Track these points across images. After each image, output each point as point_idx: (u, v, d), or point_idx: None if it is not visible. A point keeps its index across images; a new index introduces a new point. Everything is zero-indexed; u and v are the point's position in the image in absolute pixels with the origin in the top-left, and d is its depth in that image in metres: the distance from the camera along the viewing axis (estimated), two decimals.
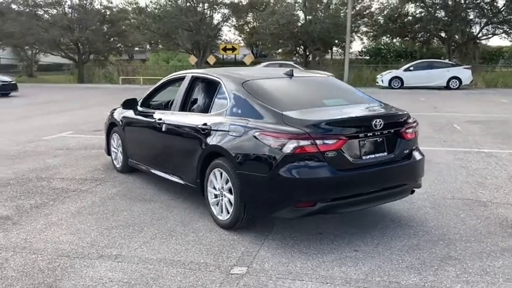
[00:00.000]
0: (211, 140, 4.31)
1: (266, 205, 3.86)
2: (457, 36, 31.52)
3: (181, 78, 5.30)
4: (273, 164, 3.70)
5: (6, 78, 21.17)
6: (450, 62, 25.25)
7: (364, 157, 3.86)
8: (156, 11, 31.29)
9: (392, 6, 31.31)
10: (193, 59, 30.19)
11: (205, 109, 4.77)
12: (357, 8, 32.53)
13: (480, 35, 31.76)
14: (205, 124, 4.45)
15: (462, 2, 29.76)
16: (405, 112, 4.30)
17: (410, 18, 31.74)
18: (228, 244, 3.97)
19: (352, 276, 3.38)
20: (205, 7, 31.83)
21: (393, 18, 30.80)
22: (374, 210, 4.83)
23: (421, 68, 24.04)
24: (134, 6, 32.09)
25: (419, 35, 33.27)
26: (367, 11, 32.24)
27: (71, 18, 31.88)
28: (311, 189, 3.67)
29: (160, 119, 5.22)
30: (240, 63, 29.79)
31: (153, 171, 5.54)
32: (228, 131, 4.15)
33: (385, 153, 4.00)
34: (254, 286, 3.23)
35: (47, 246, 3.95)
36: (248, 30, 37.93)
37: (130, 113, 5.99)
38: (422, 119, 12.00)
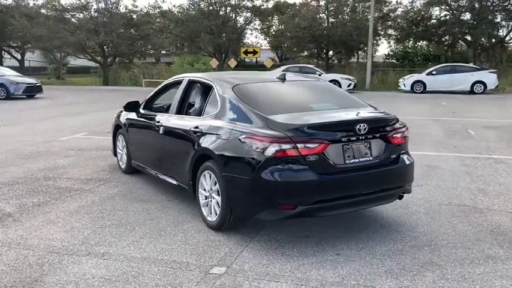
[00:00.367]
0: (202, 143, 4.40)
1: (249, 207, 3.93)
2: (483, 40, 30.88)
3: (180, 82, 5.41)
4: (255, 166, 3.77)
5: (31, 80, 21.80)
6: (474, 66, 24.74)
7: (347, 161, 3.88)
8: (179, 14, 31.71)
9: (416, 9, 30.92)
10: (214, 62, 30.43)
11: (199, 112, 4.87)
12: (384, 11, 32.21)
13: (508, 38, 31.05)
14: (196, 127, 4.55)
15: (489, 4, 29.16)
16: (392, 117, 4.30)
17: (434, 21, 31.28)
18: (214, 245, 4.04)
19: (328, 279, 3.41)
20: (228, 10, 32.09)
21: (416, 21, 30.39)
22: (366, 214, 4.84)
23: (444, 72, 23.64)
24: (158, 10, 32.62)
25: (444, 39, 32.72)
26: (391, 14, 31.89)
27: (97, 21, 32.60)
28: (291, 192, 3.72)
29: (158, 122, 5.35)
30: (261, 67, 29.88)
31: (152, 172, 5.67)
32: (217, 134, 4.24)
33: (370, 158, 4.01)
34: (229, 286, 3.30)
35: (40, 243, 4.11)
36: (274, 33, 38.07)
37: (133, 115, 6.14)
38: (437, 124, 11.90)
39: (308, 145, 3.70)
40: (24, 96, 21.08)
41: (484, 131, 10.62)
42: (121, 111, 6.87)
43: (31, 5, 37.80)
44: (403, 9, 31.87)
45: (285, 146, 3.68)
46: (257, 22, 34.49)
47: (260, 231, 4.33)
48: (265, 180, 3.71)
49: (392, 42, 35.26)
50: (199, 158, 4.45)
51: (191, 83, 5.20)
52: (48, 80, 38.05)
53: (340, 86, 23.81)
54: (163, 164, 5.36)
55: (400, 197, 4.41)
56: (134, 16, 34.06)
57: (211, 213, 4.37)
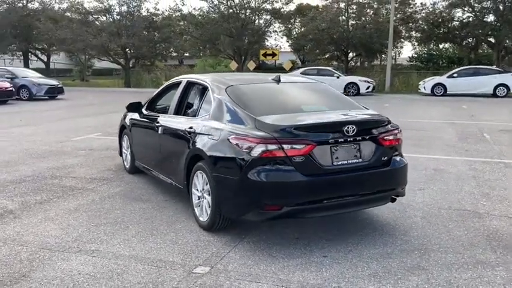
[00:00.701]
0: (195, 143, 4.43)
1: (236, 207, 3.94)
2: (507, 42, 30.18)
3: (179, 83, 5.47)
4: (242, 167, 3.78)
5: (53, 82, 22.31)
6: (497, 69, 24.20)
7: (335, 163, 3.86)
8: (199, 17, 31.98)
9: (438, 11, 30.44)
10: (234, 65, 30.59)
11: (195, 113, 4.91)
12: (408, 13, 31.78)
13: None
14: (191, 127, 4.59)
15: None
16: (384, 118, 4.26)
17: (456, 23, 30.75)
18: (202, 245, 4.07)
19: (310, 281, 3.39)
20: (248, 13, 32.18)
21: (437, 23, 29.92)
22: (360, 217, 4.80)
23: (466, 74, 23.18)
24: (178, 13, 32.95)
25: (467, 41, 32.11)
26: (415, 16, 31.45)
27: (119, 24, 33.11)
28: (277, 193, 3.72)
29: (158, 122, 5.42)
30: (280, 69, 29.87)
31: (153, 172, 5.74)
32: (208, 135, 4.27)
33: (360, 160, 3.97)
34: (210, 285, 3.32)
35: (34, 239, 4.21)
36: (296, 35, 38.02)
37: (136, 116, 6.23)
38: (453, 127, 11.69)
39: (294, 146, 3.69)
40: (46, 97, 21.58)
41: (500, 135, 10.38)
42: (127, 112, 6.98)
43: (56, 8, 38.67)
44: (424, 11, 31.38)
45: (271, 147, 3.68)
46: (276, 25, 34.51)
47: (251, 232, 4.33)
48: (252, 181, 3.72)
49: (416, 44, 34.80)
50: (193, 158, 4.48)
51: (189, 84, 5.25)
52: (72, 82, 38.89)
53: (358, 88, 23.69)
54: (161, 164, 5.42)
55: (393, 200, 4.36)
56: (156, 19, 34.46)
57: (203, 214, 4.39)
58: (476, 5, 29.81)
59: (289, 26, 38.65)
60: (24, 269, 3.60)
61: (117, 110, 16.82)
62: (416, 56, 36.89)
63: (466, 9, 30.30)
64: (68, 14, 35.58)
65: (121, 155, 7.11)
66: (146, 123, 5.86)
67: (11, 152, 8.39)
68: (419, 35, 32.45)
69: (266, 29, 34.55)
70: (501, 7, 29.03)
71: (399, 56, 45.29)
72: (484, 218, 4.79)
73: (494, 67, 25.25)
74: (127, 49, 34.05)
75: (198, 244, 4.08)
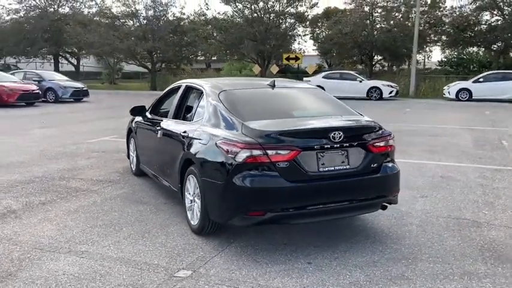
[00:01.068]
0: (187, 147, 4.48)
1: (222, 212, 3.96)
2: None
3: (179, 87, 5.53)
4: (227, 172, 3.80)
5: (78, 85, 22.87)
6: None
7: (321, 169, 3.83)
8: (223, 22, 32.20)
9: (465, 14, 29.77)
10: (257, 69, 30.67)
11: (190, 117, 4.95)
12: (437, 18, 31.18)
13: None
14: (185, 132, 4.64)
15: None
16: (374, 125, 4.20)
17: (484, 26, 29.99)
18: (190, 248, 4.10)
19: (289, 287, 3.37)
20: (272, 17, 32.21)
21: (462, 27, 29.25)
22: (354, 224, 4.75)
23: (492, 79, 22.60)
24: (202, 17, 33.26)
25: (497, 45, 31.24)
26: (442, 20, 30.83)
27: (146, 28, 33.68)
28: (260, 199, 3.72)
29: (157, 126, 5.50)
30: (303, 73, 29.78)
31: (153, 174, 5.82)
32: (199, 139, 4.31)
33: (347, 166, 3.93)
34: None
35: (29, 239, 4.32)
36: (323, 39, 37.86)
37: (140, 120, 6.34)
38: (470, 133, 11.42)
39: (278, 152, 3.69)
40: (72, 100, 22.13)
41: None
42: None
43: (85, 12, 39.61)
44: (450, 15, 30.71)
45: (255, 152, 3.69)
46: (300, 29, 34.45)
47: (240, 237, 4.34)
48: (236, 186, 3.73)
49: (442, 48, 34.09)
50: (186, 162, 4.53)
51: (187, 89, 5.31)
52: (101, 85, 39.75)
53: (381, 93, 23.39)
54: (160, 167, 5.49)
55: (384, 207, 4.29)
56: (181, 23, 34.91)
57: (194, 217, 4.43)
58: (506, 8, 29.03)
59: (317, 29, 38.51)
60: (13, 268, 3.70)
61: None
62: (445, 60, 36.10)
63: (495, 12, 29.54)
64: (97, 18, 36.42)
65: (128, 157, 7.24)
66: (148, 126, 5.95)
67: (27, 153, 8.64)
68: (445, 39, 31.78)
69: (290, 33, 34.49)
70: None
71: (429, 60, 44.47)
72: (483, 227, 4.66)
73: None
74: (153, 53, 34.59)
75: (185, 248, 4.12)
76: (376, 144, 4.06)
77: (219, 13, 33.60)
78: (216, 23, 32.39)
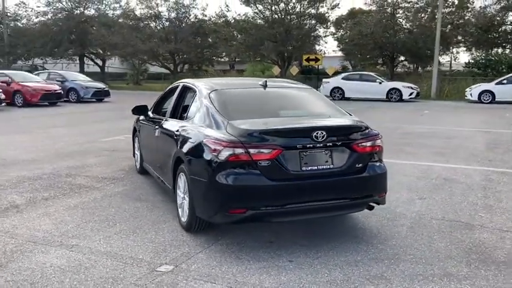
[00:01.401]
0: (179, 146, 4.57)
1: (206, 209, 4.03)
2: None
3: (177, 87, 5.64)
4: (211, 170, 3.87)
5: (100, 85, 23.36)
6: None
7: (304, 168, 3.86)
8: (243, 23, 32.39)
9: (489, 15, 29.14)
10: (276, 70, 30.69)
11: (184, 116, 5.04)
12: (466, 18, 30.61)
13: None
14: (177, 130, 4.73)
15: None
16: (360, 125, 4.20)
17: (510, 27, 29.29)
18: (176, 244, 4.18)
19: (265, 284, 3.42)
20: (292, 18, 32.22)
21: (485, 27, 28.62)
22: (346, 224, 4.76)
23: None
24: (223, 19, 33.54)
25: None
26: (470, 21, 30.26)
27: (168, 30, 34.18)
28: (242, 197, 3.77)
29: (156, 125, 5.61)
30: (323, 74, 29.64)
31: (153, 173, 5.94)
32: (189, 138, 4.39)
33: (331, 166, 3.95)
34: (166, 283, 3.42)
35: (26, 233, 4.48)
36: (346, 40, 37.66)
37: (143, 119, 6.47)
38: (485, 136, 11.22)
39: (260, 150, 3.74)
40: (94, 100, 22.63)
41: None
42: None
43: (110, 14, 40.40)
44: (474, 16, 30.11)
45: (237, 151, 3.75)
46: (321, 30, 34.31)
47: (228, 234, 4.39)
48: (218, 183, 3.80)
49: (465, 50, 33.45)
50: (177, 160, 4.61)
51: (184, 88, 5.40)
52: (126, 85, 40.42)
53: (401, 94, 23.12)
54: (158, 165, 5.60)
55: (370, 208, 4.29)
56: (203, 25, 35.27)
57: (183, 214, 4.51)
58: None
59: (341, 30, 38.31)
60: (4, 259, 3.85)
61: None
62: (473, 61, 35.33)
63: None
64: (121, 20, 37.14)
65: (134, 156, 7.39)
66: (149, 125, 6.07)
67: (41, 151, 8.89)
68: (468, 39, 31.17)
69: (311, 34, 34.41)
70: None
71: (456, 61, 43.66)
72: (475, 230, 4.60)
73: None
74: (175, 54, 35.06)
75: (172, 244, 4.20)
76: (362, 144, 4.06)
77: (239, 15, 33.83)
78: (236, 24, 32.59)
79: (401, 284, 3.42)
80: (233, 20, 33.30)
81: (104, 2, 41.89)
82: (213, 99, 4.48)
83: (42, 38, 37.72)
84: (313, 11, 32.29)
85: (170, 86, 6.16)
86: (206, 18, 35.61)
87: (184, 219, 4.49)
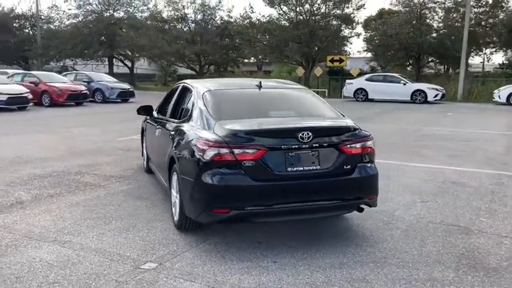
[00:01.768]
0: (173, 145, 4.62)
1: (192, 208, 4.06)
2: None
3: (178, 87, 5.70)
4: (197, 169, 3.90)
5: (125, 86, 23.79)
6: None
7: (289, 169, 3.85)
8: (267, 24, 32.41)
9: None
10: (300, 71, 30.62)
11: (180, 116, 5.09)
12: (501, 16, 29.77)
13: None
14: (173, 130, 4.79)
15: None
16: (348, 126, 4.15)
17: None
18: (166, 243, 4.23)
19: (244, 284, 3.42)
20: (317, 19, 32.02)
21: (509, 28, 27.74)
22: (341, 225, 4.73)
23: None
24: (247, 20, 33.65)
25: None
26: (491, 21, 29.45)
27: (194, 32, 34.54)
28: (225, 196, 3.78)
29: (157, 125, 5.69)
30: (348, 75, 29.34)
31: (155, 172, 6.03)
32: (181, 138, 4.43)
33: (318, 167, 3.92)
34: (146, 281, 3.47)
35: (24, 228, 4.62)
36: (377, 41, 37.18)
37: (148, 119, 6.57)
38: (507, 139, 10.91)
39: (244, 151, 3.75)
40: (119, 100, 23.06)
41: None
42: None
43: (138, 16, 41.06)
44: (506, 15, 29.24)
45: (222, 151, 3.77)
46: (347, 31, 33.95)
47: (218, 234, 4.41)
48: (204, 183, 3.82)
49: (494, 51, 32.51)
50: (171, 160, 4.67)
51: (183, 89, 5.46)
52: (154, 87, 41.06)
53: (426, 96, 22.70)
54: (159, 164, 5.68)
55: (360, 210, 4.23)
56: (228, 27, 35.47)
57: (176, 213, 4.56)
58: None
59: (369, 31, 37.81)
60: None
61: None
62: (507, 62, 34.25)
63: None
64: (149, 22, 37.72)
65: (142, 155, 7.50)
66: (152, 125, 6.16)
67: (57, 150, 9.13)
68: (500, 40, 30.29)
69: (338, 35, 34.10)
70: None
71: (488, 62, 42.52)
72: (472, 235, 4.48)
73: None
74: (201, 56, 35.38)
75: (162, 242, 4.25)
76: (350, 145, 4.01)
77: (263, 16, 33.88)
78: (260, 25, 32.63)
79: None
80: (257, 22, 33.35)
81: (133, 4, 42.72)
82: (206, 99, 4.51)
83: (73, 39, 38.64)
84: (338, 12, 32.01)
85: (173, 87, 6.23)
86: (232, 20, 35.81)
87: (176, 218, 4.54)
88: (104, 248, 4.10)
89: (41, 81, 20.18)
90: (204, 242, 4.25)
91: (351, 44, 36.13)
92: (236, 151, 3.74)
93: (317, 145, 3.89)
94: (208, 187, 3.79)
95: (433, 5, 30.30)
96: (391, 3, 32.10)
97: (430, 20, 31.61)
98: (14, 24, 44.60)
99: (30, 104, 18.39)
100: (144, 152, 7.21)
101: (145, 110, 6.43)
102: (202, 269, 3.69)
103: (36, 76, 20.80)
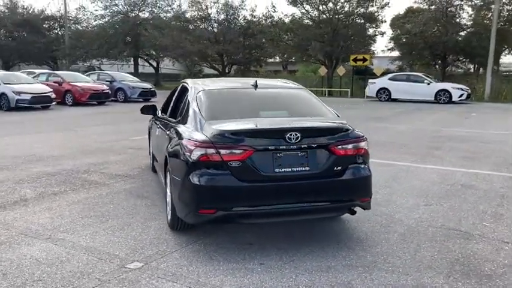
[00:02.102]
0: (167, 145, 4.62)
1: (180, 208, 4.04)
2: None
3: (178, 87, 5.70)
4: (185, 169, 3.88)
5: (147, 85, 24.10)
6: None
7: (277, 170, 3.78)
8: (290, 24, 32.27)
9: None
10: (323, 70, 30.37)
11: (177, 116, 5.08)
12: None
13: None
14: (169, 130, 4.79)
15: None
16: (340, 127, 4.05)
17: None
18: (156, 242, 4.23)
19: (225, 286, 3.38)
20: (341, 18, 31.70)
21: None
22: (337, 227, 4.65)
23: None
24: (269, 20, 33.60)
25: None
26: None
27: (217, 31, 34.69)
28: (211, 197, 3.75)
29: (158, 124, 5.71)
30: (371, 74, 28.93)
31: (158, 171, 6.05)
32: (174, 137, 4.43)
33: (307, 168, 3.84)
34: (129, 280, 3.46)
35: (21, 225, 4.69)
36: (404, 39, 36.58)
37: (152, 118, 6.60)
38: None
39: (231, 151, 3.70)
40: (140, 100, 23.33)
41: None
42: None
43: (162, 17, 41.49)
44: None
45: (209, 151, 3.74)
46: (371, 30, 33.47)
47: (211, 235, 4.37)
48: (190, 183, 3.80)
49: None
50: (166, 159, 4.67)
51: (182, 88, 5.45)
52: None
53: (450, 96, 22.20)
54: (157, 163, 5.70)
55: (352, 212, 4.13)
56: (251, 26, 35.47)
57: (169, 213, 4.55)
58: None
59: (397, 30, 37.22)
60: None
61: None
62: None
63: None
64: (173, 22, 38.07)
65: (150, 154, 7.55)
66: (155, 125, 6.19)
67: (70, 148, 9.28)
68: None
69: (364, 34, 33.68)
70: None
71: None
72: (472, 240, 4.33)
73: None
74: (224, 55, 35.50)
75: (152, 241, 4.25)
76: (341, 146, 3.92)
77: (286, 15, 33.75)
78: (282, 25, 32.51)
79: None
80: (279, 21, 33.24)
81: (158, 5, 43.19)
82: (199, 99, 4.50)
83: (99, 40, 39.36)
84: (362, 10, 31.61)
85: (175, 88, 6.23)
86: (255, 20, 35.78)
87: (169, 217, 4.53)
88: (95, 247, 4.12)
89: (64, 80, 20.62)
90: (195, 242, 4.23)
91: (375, 42, 35.57)
92: (222, 151, 3.70)
93: (306, 146, 3.81)
94: (195, 187, 3.77)
95: (460, 3, 29.58)
96: (415, 1, 31.49)
97: (457, 17, 30.86)
98: (44, 25, 45.75)
99: (54, 103, 18.80)
100: (150, 151, 7.25)
101: (149, 109, 6.46)
102: (187, 269, 3.66)
103: (60, 76, 21.27)
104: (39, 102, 18.14)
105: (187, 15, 37.39)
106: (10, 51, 41.69)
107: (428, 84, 23.08)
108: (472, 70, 36.17)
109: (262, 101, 4.72)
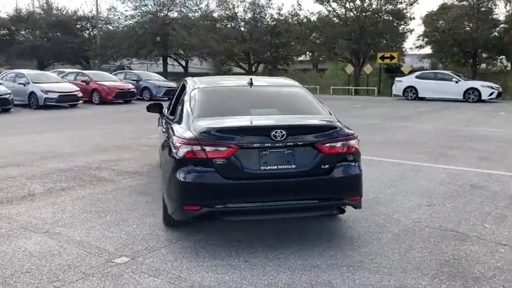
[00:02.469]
0: (163, 142, 4.68)
1: (169, 205, 4.08)
2: None
3: (179, 85, 5.76)
4: (172, 166, 3.93)
5: (171, 84, 24.32)
6: None
7: (262, 167, 3.78)
8: (316, 21, 32.02)
9: None
10: (349, 68, 30.02)
11: (174, 113, 5.12)
12: None
13: None
14: (166, 127, 4.85)
15: None
16: (327, 124, 4.01)
17: None
18: (148, 238, 4.29)
19: (205, 282, 3.41)
20: (368, 15, 31.23)
21: None
22: (331, 226, 4.62)
23: None
24: (295, 18, 33.43)
25: None
26: None
27: (244, 30, 34.80)
28: (196, 194, 3.78)
29: (161, 123, 5.79)
30: (400, 72, 28.35)
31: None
32: (166, 134, 4.49)
33: (293, 166, 3.82)
34: (112, 274, 3.53)
35: (23, 219, 4.84)
36: (433, 37, 35.83)
37: (159, 117, 6.68)
38: None
39: (216, 148, 3.72)
40: (166, 98, 23.60)
41: None
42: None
43: (190, 16, 41.89)
44: None
45: (194, 148, 3.77)
46: (399, 27, 32.79)
47: (202, 231, 4.40)
48: (176, 180, 3.84)
49: None
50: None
51: (182, 86, 5.50)
52: None
53: (479, 94, 21.55)
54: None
55: (341, 211, 4.08)
56: (278, 24, 35.40)
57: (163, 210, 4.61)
58: None
59: (429, 27, 36.46)
60: None
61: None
62: None
63: None
64: (201, 22, 38.41)
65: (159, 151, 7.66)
66: (159, 123, 6.27)
67: (86, 145, 9.49)
68: None
69: (393, 31, 33.10)
70: None
71: None
72: (467, 241, 4.21)
73: None
74: (250, 54, 35.57)
75: (144, 237, 4.31)
76: (328, 144, 3.87)
77: (312, 13, 33.51)
78: (308, 23, 32.30)
79: None
80: (305, 19, 33.06)
81: (186, 4, 43.63)
82: (192, 97, 4.53)
83: (129, 39, 40.08)
84: (390, 7, 31.04)
85: (179, 86, 6.30)
86: (282, 18, 35.68)
87: (163, 214, 4.59)
88: (88, 241, 4.22)
89: (91, 79, 21.10)
90: (186, 238, 4.27)
91: (404, 41, 34.88)
92: (207, 149, 3.72)
93: (291, 144, 3.79)
94: (180, 184, 3.80)
95: None
96: None
97: (490, 14, 29.95)
98: (77, 26, 46.93)
99: (80, 101, 19.25)
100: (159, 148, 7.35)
101: (155, 108, 6.53)
102: (171, 265, 3.70)
103: (87, 75, 21.79)
104: (66, 101, 18.62)
105: (215, 14, 37.66)
106: (45, 52, 42.93)
107: (457, 82, 22.47)
108: (508, 68, 35.03)
109: (255, 99, 4.71)
